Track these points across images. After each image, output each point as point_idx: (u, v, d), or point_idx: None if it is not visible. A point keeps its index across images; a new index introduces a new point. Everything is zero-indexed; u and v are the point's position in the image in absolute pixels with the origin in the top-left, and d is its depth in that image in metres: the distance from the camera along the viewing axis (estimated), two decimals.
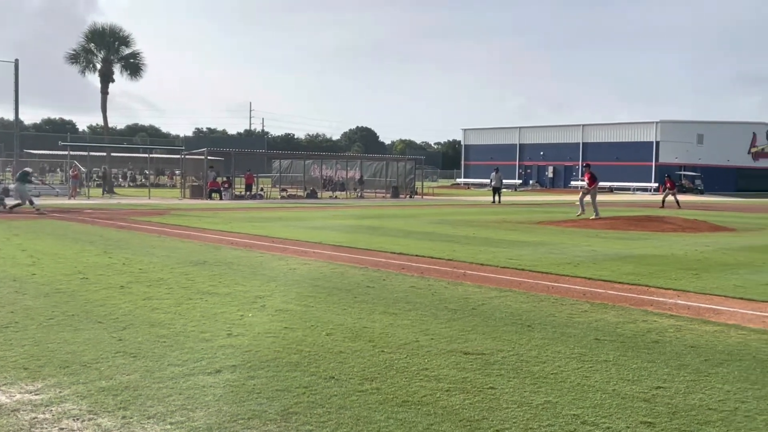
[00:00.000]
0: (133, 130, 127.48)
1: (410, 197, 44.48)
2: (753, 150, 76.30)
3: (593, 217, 22.76)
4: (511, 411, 4.50)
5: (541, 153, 76.15)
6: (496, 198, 37.62)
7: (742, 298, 8.72)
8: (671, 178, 36.44)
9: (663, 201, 34.84)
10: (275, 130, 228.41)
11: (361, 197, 43.65)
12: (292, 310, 7.59)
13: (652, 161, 66.74)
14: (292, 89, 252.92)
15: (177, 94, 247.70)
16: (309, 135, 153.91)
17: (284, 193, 43.68)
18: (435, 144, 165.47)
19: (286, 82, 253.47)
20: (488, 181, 41.96)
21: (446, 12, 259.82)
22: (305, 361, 5.59)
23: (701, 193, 61.97)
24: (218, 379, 5.08)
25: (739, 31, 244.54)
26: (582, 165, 26.45)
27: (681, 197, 37.92)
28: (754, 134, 76.53)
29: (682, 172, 66.26)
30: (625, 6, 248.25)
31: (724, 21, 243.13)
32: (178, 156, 46.79)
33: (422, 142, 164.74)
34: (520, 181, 75.46)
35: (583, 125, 73.99)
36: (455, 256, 12.56)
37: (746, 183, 71.11)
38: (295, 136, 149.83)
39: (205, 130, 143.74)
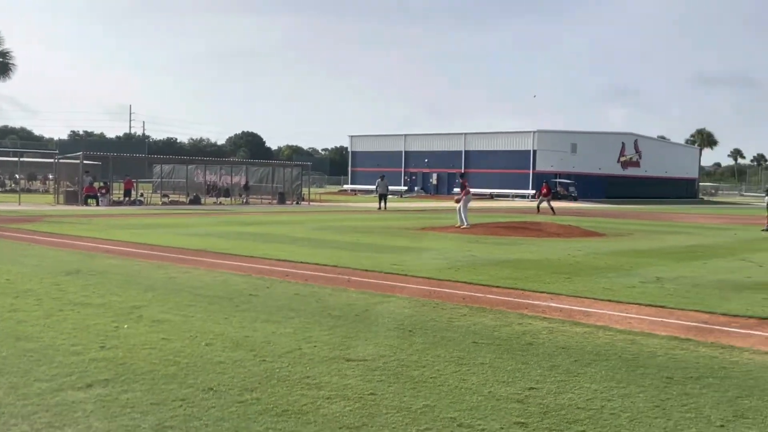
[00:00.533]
0: (3, 133, 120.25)
1: (297, 203, 44.23)
2: (622, 159, 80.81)
3: (463, 226, 22.41)
4: (390, 416, 4.55)
5: (426, 160, 77.66)
6: (382, 204, 38.03)
7: (609, 300, 9.20)
8: (548, 185, 38.04)
9: (538, 207, 36.36)
10: (157, 134, 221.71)
11: (247, 203, 43.02)
12: (171, 321, 7.38)
13: (529, 169, 69.46)
14: (175, 92, 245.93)
15: (51, 96, 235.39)
16: (192, 139, 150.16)
17: (166, 199, 42.39)
18: (322, 150, 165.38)
19: (169, 85, 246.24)
20: (374, 187, 42.34)
21: (334, 18, 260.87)
22: (182, 372, 5.44)
23: (575, 199, 64.98)
24: (89, 394, 4.86)
25: (610, 46, 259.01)
26: (459, 173, 26.55)
27: (556, 204, 39.68)
28: (623, 144, 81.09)
29: (558, 180, 69.30)
30: (504, 21, 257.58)
31: (596, 36, 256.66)
32: (52, 160, 44.49)
33: (309, 148, 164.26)
34: (406, 188, 76.63)
35: (466, 134, 76.06)
36: (340, 263, 12.60)
37: (615, 190, 75.12)
38: (178, 141, 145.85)
39: (81, 133, 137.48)
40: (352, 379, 5.36)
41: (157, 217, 27.16)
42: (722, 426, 4.50)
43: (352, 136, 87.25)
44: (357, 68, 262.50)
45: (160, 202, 40.49)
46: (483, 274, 11.53)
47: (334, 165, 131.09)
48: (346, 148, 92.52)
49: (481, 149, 74.17)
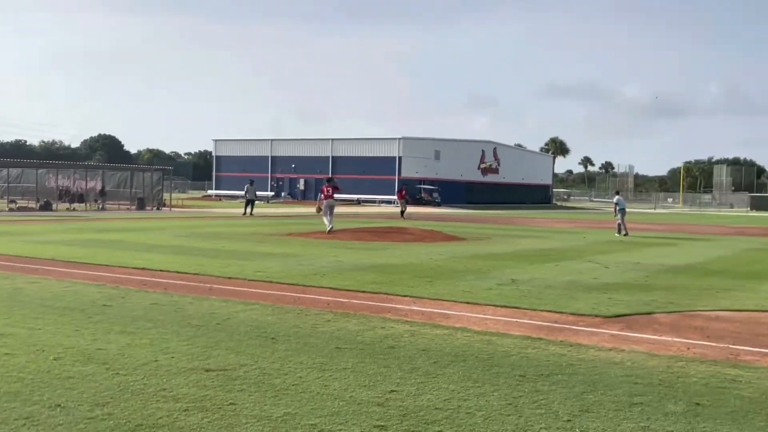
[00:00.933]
0: None
1: (157, 209, 42.72)
2: (482, 166, 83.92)
3: (327, 230, 22.80)
4: (250, 426, 4.48)
5: (293, 165, 77.30)
6: (248, 210, 37.46)
7: (468, 302, 9.51)
8: (406, 189, 39.32)
9: (403, 213, 37.29)
10: (4, 136, 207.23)
11: (103, 209, 41.10)
12: (15, 334, 6.91)
13: (395, 175, 70.69)
14: (24, 92, 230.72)
15: None
16: (44, 142, 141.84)
17: (13, 205, 39.72)
18: (185, 154, 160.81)
19: (17, 85, 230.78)
20: (242, 192, 41.63)
21: (197, 19, 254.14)
22: (27, 389, 5.11)
23: (438, 205, 66.80)
24: None
25: (473, 57, 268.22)
26: (326, 178, 26.62)
27: (421, 209, 40.75)
28: (483, 152, 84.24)
29: (422, 186, 71.02)
30: (372, 28, 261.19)
31: (458, 46, 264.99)
32: None
33: (172, 152, 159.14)
34: (272, 193, 75.92)
35: (333, 139, 76.38)
36: (202, 270, 12.29)
37: (476, 196, 77.90)
38: (28, 143, 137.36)
39: None
40: (211, 389, 5.23)
41: (2, 224, 25.39)
42: (569, 420, 4.75)
43: (216, 140, 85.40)
44: (223, 70, 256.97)
45: (7, 209, 37.91)
46: (348, 279, 11.60)
47: (198, 170, 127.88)
48: (211, 152, 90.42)
49: (348, 155, 74.73)
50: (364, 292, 10.30)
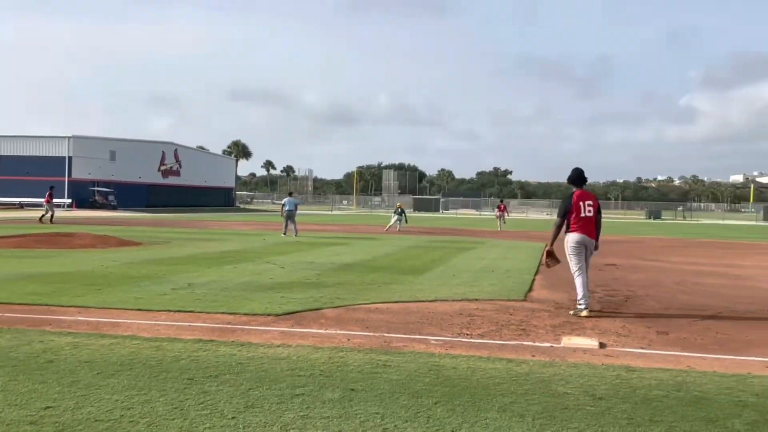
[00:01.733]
0: None
1: None
2: (162, 168, 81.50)
3: None
4: None
5: None
6: None
7: (140, 309, 9.21)
8: (52, 191, 37.52)
9: (42, 217, 35.15)
10: None
11: None
12: None
13: (65, 176, 65.57)
14: None
15: None
16: None
17: None
18: None
19: None
20: None
21: None
22: None
23: (114, 208, 63.42)
24: None
25: (152, 55, 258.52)
26: None
27: (95, 213, 38.40)
28: (164, 153, 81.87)
29: (96, 188, 66.89)
30: (34, 19, 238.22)
31: (141, 45, 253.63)
32: None
33: None
34: None
35: None
36: None
37: (157, 199, 75.48)
38: None
39: None
40: None
41: None
42: (233, 417, 4.87)
43: None
44: None
45: None
46: (2, 291, 10.52)
47: None
48: None
49: (10, 154, 67.55)
50: (21, 304, 9.42)
